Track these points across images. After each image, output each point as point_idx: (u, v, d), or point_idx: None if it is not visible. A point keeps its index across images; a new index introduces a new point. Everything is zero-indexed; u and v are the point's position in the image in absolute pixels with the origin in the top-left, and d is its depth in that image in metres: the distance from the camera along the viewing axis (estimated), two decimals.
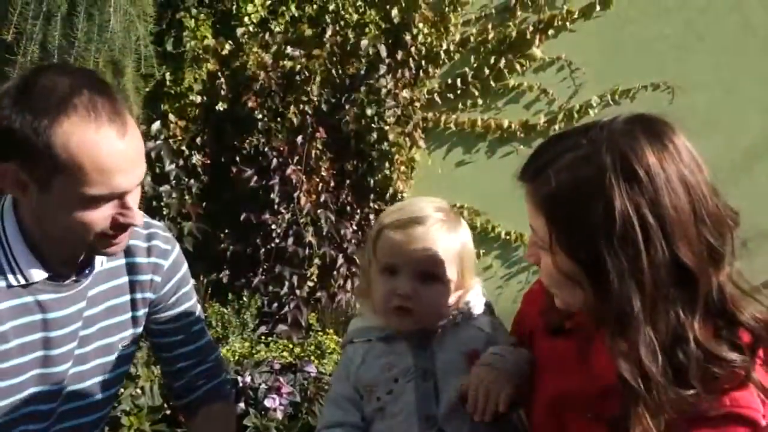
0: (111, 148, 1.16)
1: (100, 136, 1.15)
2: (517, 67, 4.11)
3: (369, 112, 4.01)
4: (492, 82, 4.14)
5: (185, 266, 1.51)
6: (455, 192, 4.17)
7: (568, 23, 4.06)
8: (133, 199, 1.23)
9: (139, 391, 2.44)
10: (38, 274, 1.26)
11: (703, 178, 0.96)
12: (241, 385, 2.54)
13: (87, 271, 1.32)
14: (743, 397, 0.93)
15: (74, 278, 1.31)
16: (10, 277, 1.24)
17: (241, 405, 2.48)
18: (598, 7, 4.02)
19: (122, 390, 2.31)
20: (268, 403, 2.47)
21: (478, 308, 1.26)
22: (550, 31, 4.08)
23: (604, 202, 0.91)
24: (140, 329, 1.47)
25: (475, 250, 1.27)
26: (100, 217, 1.20)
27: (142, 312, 1.44)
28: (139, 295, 1.41)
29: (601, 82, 4.10)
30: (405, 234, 1.19)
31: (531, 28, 4.07)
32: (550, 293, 1.10)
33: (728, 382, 0.94)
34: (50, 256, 1.26)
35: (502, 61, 4.11)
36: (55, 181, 1.16)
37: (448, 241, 1.20)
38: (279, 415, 2.47)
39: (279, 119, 4.05)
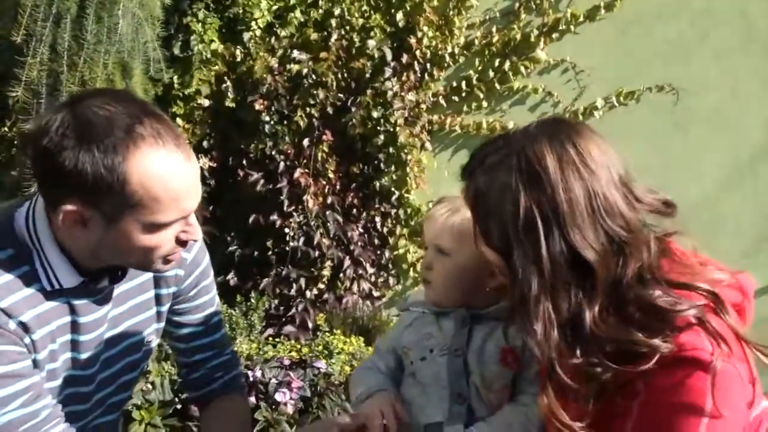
0: (181, 173, 1.14)
1: (171, 163, 1.12)
2: (522, 69, 4.11)
3: (375, 114, 4.01)
4: (497, 85, 4.13)
5: (207, 259, 1.49)
6: None
7: (572, 26, 4.07)
8: (193, 215, 1.21)
9: (149, 386, 2.40)
10: (72, 280, 1.21)
11: (605, 176, 1.03)
12: (251, 379, 2.50)
13: (120, 274, 1.28)
14: (689, 341, 0.98)
15: (107, 283, 1.27)
16: (45, 281, 1.20)
17: (252, 399, 2.44)
18: (602, 10, 4.04)
19: None
20: (278, 397, 2.43)
21: None
22: (555, 34, 4.08)
23: (512, 200, 1.03)
24: (163, 323, 1.42)
25: None
26: (167, 239, 1.18)
27: (166, 307, 1.41)
28: (164, 291, 1.39)
29: (605, 84, 4.10)
30: (429, 214, 1.32)
31: (535, 31, 4.07)
32: None
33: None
34: (86, 264, 1.22)
35: (507, 64, 4.10)
36: (125, 214, 1.13)
37: (456, 219, 1.26)
38: (290, 409, 2.43)
39: (286, 122, 4.05)
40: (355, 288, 4.08)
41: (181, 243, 1.21)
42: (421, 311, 1.31)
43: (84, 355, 1.29)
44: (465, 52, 4.15)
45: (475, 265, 1.22)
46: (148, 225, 1.15)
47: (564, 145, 1.04)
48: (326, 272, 3.99)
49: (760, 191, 4.14)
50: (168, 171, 1.12)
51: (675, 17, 4.02)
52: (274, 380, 2.50)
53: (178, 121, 4.04)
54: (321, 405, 2.49)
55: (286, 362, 2.66)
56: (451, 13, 4.07)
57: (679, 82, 3.99)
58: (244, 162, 4.07)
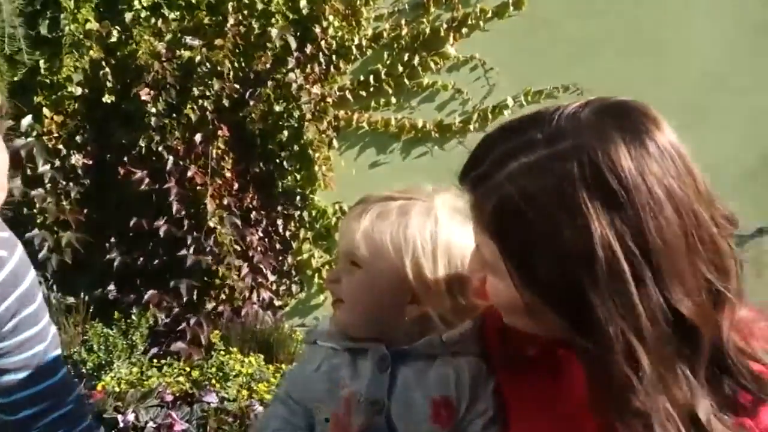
0: None
1: None
2: (431, 65, 3.87)
3: (278, 108, 3.59)
4: (406, 80, 3.86)
5: (30, 278, 1.04)
6: None
7: (481, 22, 3.88)
8: None
9: None
10: None
11: (693, 188, 0.70)
12: (122, 425, 1.97)
13: None
14: None
15: None
16: None
17: None
18: (511, 8, 3.88)
19: None
20: None
21: (464, 344, 0.92)
22: (464, 30, 3.88)
23: (576, 226, 0.67)
24: None
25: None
26: None
27: None
28: None
29: (514, 83, 3.93)
30: (344, 219, 1.00)
31: (444, 26, 3.85)
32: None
33: None
34: None
35: (416, 59, 3.84)
36: None
37: (375, 226, 0.93)
38: None
39: (175, 115, 3.54)
40: (254, 297, 3.62)
41: None
42: (330, 347, 0.97)
43: None
44: (373, 44, 3.83)
45: (392, 285, 0.91)
46: None
47: (645, 144, 0.68)
48: (221, 282, 3.52)
49: None
50: None
51: (580, 18, 3.92)
52: (151, 424, 1.99)
53: (45, 111, 3.42)
54: None
55: (168, 398, 2.16)
56: (358, 2, 3.74)
57: (584, 81, 3.88)
58: (126, 159, 3.52)
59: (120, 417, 2.00)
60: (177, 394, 2.22)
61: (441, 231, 0.91)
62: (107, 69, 3.49)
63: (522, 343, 0.85)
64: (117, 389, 2.33)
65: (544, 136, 0.69)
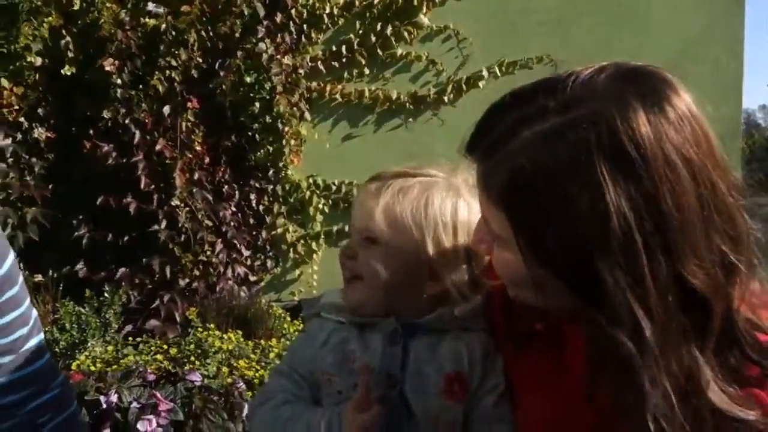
0: None
1: None
2: (405, 35, 3.81)
3: (248, 80, 3.51)
4: (379, 51, 3.80)
5: (11, 259, 1.00)
6: (343, 168, 3.80)
7: None
8: None
9: None
10: None
11: (710, 156, 0.67)
12: (104, 406, 1.92)
13: None
14: None
15: None
16: None
17: None
18: None
19: None
20: (141, 426, 1.87)
21: (474, 319, 0.92)
22: None
23: (591, 197, 0.64)
24: None
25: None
26: None
27: None
28: None
29: (488, 54, 3.91)
30: (359, 195, 0.97)
31: None
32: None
33: None
34: None
35: (389, 29, 3.79)
36: None
37: (397, 202, 0.92)
38: None
39: (141, 87, 3.42)
40: (229, 273, 3.58)
41: None
42: (336, 320, 0.94)
43: None
44: (344, 13, 3.75)
45: (412, 261, 0.90)
46: None
47: (665, 110, 0.65)
48: (195, 258, 3.46)
49: None
50: None
51: None
52: (135, 404, 1.95)
53: (3, 82, 3.27)
54: (198, 430, 1.99)
55: (151, 377, 2.11)
56: None
57: (559, 52, 3.89)
58: (92, 132, 3.40)
59: (102, 398, 1.95)
60: (159, 374, 2.18)
61: (462, 208, 0.90)
62: (68, 38, 3.35)
63: (528, 319, 0.85)
64: (93, 368, 2.28)
65: (557, 104, 0.66)
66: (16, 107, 3.32)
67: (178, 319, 3.34)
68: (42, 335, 1.11)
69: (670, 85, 0.68)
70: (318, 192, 3.82)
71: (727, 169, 0.68)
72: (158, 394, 2.01)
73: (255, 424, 0.94)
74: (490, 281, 0.90)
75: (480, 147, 0.72)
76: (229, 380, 2.27)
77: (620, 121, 0.64)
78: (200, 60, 3.45)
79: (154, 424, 1.92)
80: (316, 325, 0.97)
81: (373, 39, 3.79)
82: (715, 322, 0.66)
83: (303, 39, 3.69)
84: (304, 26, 3.67)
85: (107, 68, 3.32)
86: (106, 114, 3.35)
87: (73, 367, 2.47)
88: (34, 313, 1.08)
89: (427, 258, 0.89)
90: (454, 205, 0.91)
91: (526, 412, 0.88)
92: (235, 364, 2.49)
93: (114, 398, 1.97)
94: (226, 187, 3.61)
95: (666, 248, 0.64)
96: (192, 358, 2.51)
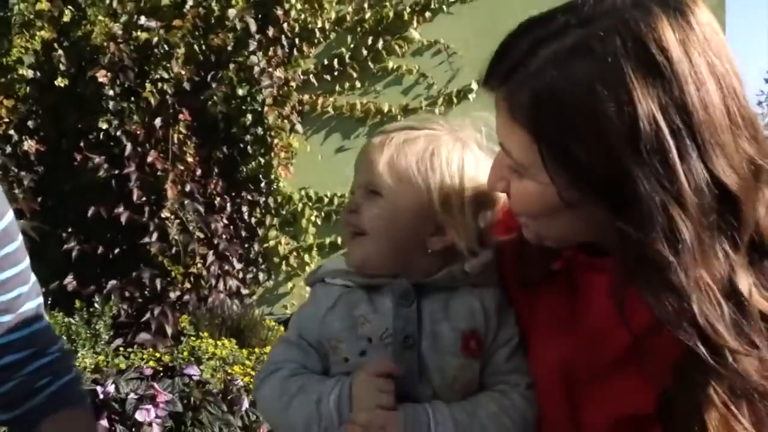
0: None
1: None
2: (396, 48, 3.87)
3: (240, 92, 3.53)
4: (370, 64, 3.85)
5: (9, 215, 0.99)
6: (336, 180, 3.80)
7: (444, 6, 3.91)
8: None
9: None
10: None
11: (731, 65, 0.70)
12: (102, 397, 1.88)
13: None
14: None
15: None
16: None
17: (104, 423, 1.83)
18: None
19: None
20: (140, 416, 1.84)
21: (485, 274, 0.90)
22: (427, 14, 3.89)
23: (619, 102, 0.65)
24: None
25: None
26: None
27: None
28: None
29: (477, 67, 3.98)
30: (362, 149, 0.94)
31: (408, 9, 3.86)
32: (523, 241, 0.82)
33: None
34: None
35: (380, 42, 3.84)
36: None
37: (401, 154, 0.89)
38: (156, 430, 1.87)
39: (133, 99, 3.44)
40: (221, 286, 3.55)
41: None
42: (343, 284, 0.91)
43: None
44: (336, 28, 3.81)
45: (416, 214, 0.87)
46: None
47: (688, 18, 0.67)
48: (186, 270, 3.43)
49: None
50: None
51: (541, 0, 4.00)
52: (133, 395, 1.91)
53: None
54: (197, 421, 1.95)
55: (148, 372, 2.08)
56: None
57: None
58: (83, 144, 3.39)
59: (99, 389, 1.91)
60: (156, 368, 2.14)
61: (469, 160, 0.88)
62: (60, 51, 3.37)
63: (541, 262, 0.85)
64: (87, 369, 2.22)
65: (578, 20, 0.68)
66: (7, 120, 3.32)
67: (169, 332, 3.29)
68: (41, 299, 1.09)
69: None
70: (310, 204, 3.82)
71: (743, 82, 0.70)
72: (156, 386, 1.97)
73: (262, 396, 0.90)
74: (497, 236, 0.90)
75: (499, 71, 0.72)
76: (220, 377, 2.23)
77: (644, 27, 0.66)
78: (192, 72, 3.48)
79: (153, 415, 1.87)
80: (320, 291, 0.93)
81: (365, 53, 3.84)
82: (749, 220, 0.67)
83: (295, 52, 3.73)
84: (296, 40, 3.72)
85: (99, 80, 3.33)
86: (101, 124, 3.34)
87: None
88: (33, 277, 1.07)
89: (433, 211, 0.86)
90: (460, 157, 0.89)
91: (543, 356, 0.87)
92: (229, 371, 2.45)
93: (111, 389, 1.92)
94: (217, 199, 3.60)
95: (697, 147, 0.65)
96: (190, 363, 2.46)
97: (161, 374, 2.11)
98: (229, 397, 2.09)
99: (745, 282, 0.66)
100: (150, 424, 1.89)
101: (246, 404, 2.08)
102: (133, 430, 1.90)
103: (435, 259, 0.88)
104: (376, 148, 0.89)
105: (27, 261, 1.06)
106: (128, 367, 2.17)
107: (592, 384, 0.80)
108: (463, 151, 0.89)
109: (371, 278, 0.89)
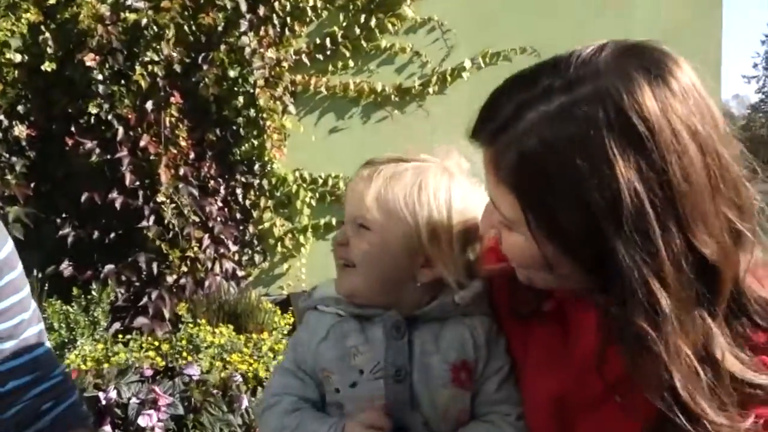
0: None
1: None
2: (389, 26, 3.82)
3: (232, 73, 3.49)
4: (363, 43, 3.80)
5: (9, 244, 1.01)
6: (330, 161, 3.80)
7: None
8: None
9: None
10: None
11: (715, 127, 0.69)
12: (104, 402, 1.92)
13: None
14: None
15: None
16: None
17: (107, 429, 1.87)
18: None
19: None
20: (142, 421, 1.87)
21: (475, 304, 0.92)
22: None
23: (601, 173, 0.65)
24: None
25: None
26: None
27: None
28: None
29: (471, 45, 3.93)
30: (351, 181, 0.94)
31: None
32: (515, 276, 0.83)
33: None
34: None
35: (373, 21, 3.78)
36: None
37: (389, 188, 0.89)
38: None
39: (124, 82, 3.39)
40: (216, 269, 3.57)
41: None
42: (335, 313, 0.92)
43: None
44: (328, 5, 3.74)
45: (405, 248, 0.88)
46: None
47: (669, 83, 0.66)
48: (182, 254, 3.45)
49: None
50: None
51: None
52: (134, 399, 1.95)
53: None
54: (198, 423, 2.00)
55: (148, 372, 2.11)
56: None
57: (542, 43, 3.92)
58: (74, 129, 3.36)
59: (101, 394, 1.95)
60: (155, 368, 2.18)
61: (456, 193, 0.88)
62: (47, 34, 3.31)
63: (533, 300, 0.86)
64: (84, 367, 2.27)
65: (562, 83, 0.67)
66: None
67: (166, 315, 3.32)
68: (42, 325, 1.11)
69: (671, 58, 0.69)
70: (305, 185, 3.82)
71: (730, 139, 0.70)
72: (157, 389, 2.01)
73: (263, 429, 0.93)
74: (489, 264, 0.91)
75: (486, 131, 0.72)
76: (224, 374, 2.27)
77: (626, 96, 0.65)
78: (183, 54, 3.43)
79: (155, 419, 1.92)
80: (313, 319, 0.94)
81: (357, 31, 3.78)
82: (726, 288, 0.68)
83: (287, 32, 3.68)
84: (288, 19, 3.66)
85: (88, 63, 3.28)
86: (92, 109, 3.31)
87: None
88: (34, 303, 1.09)
89: (422, 246, 0.87)
90: (447, 190, 0.89)
91: (535, 391, 0.89)
92: (228, 359, 2.49)
93: (113, 394, 1.96)
94: (211, 182, 3.60)
95: (677, 219, 0.65)
96: (184, 354, 2.51)
97: (161, 375, 2.15)
98: (228, 394, 2.14)
99: (718, 347, 0.67)
100: (152, 429, 1.93)
101: (245, 402, 2.13)
102: None
103: (425, 290, 0.90)
104: (364, 181, 0.89)
105: (28, 288, 1.08)
106: (129, 365, 2.20)
107: (584, 413, 0.82)
108: (450, 183, 0.89)
109: (362, 309, 0.90)
